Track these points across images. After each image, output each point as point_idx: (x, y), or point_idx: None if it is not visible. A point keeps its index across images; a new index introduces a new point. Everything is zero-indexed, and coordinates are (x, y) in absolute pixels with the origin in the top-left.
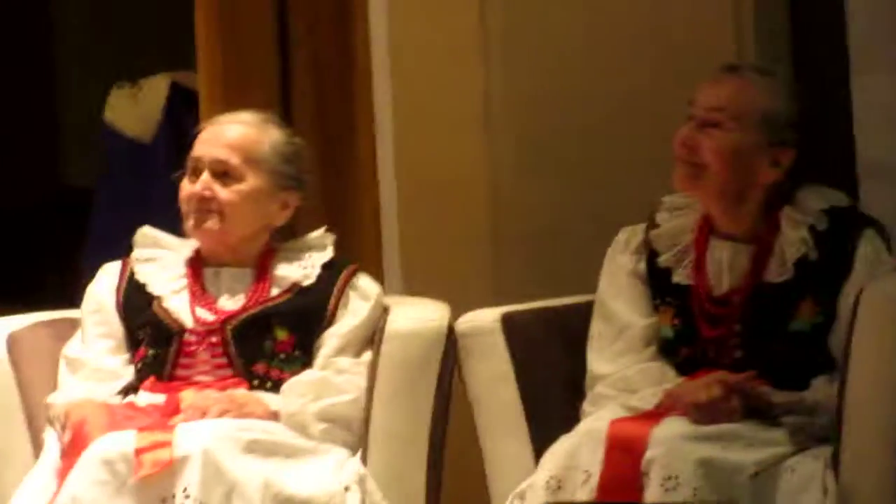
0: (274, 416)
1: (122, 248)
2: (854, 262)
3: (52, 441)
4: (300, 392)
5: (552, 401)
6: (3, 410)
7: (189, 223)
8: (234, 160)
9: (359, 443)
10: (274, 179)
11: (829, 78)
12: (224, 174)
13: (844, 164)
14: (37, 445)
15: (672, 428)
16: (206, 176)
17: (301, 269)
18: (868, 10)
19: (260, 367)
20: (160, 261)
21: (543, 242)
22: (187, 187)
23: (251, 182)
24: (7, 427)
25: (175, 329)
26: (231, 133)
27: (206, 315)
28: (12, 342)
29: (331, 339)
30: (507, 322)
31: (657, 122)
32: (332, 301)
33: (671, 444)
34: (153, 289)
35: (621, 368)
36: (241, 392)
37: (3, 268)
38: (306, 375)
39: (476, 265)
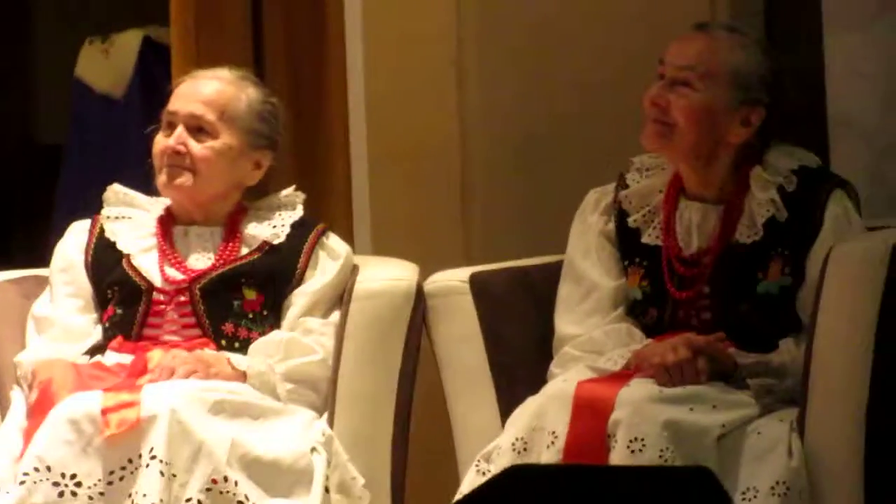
0: (241, 376)
1: (92, 206)
2: (823, 222)
3: (18, 400)
4: (268, 352)
5: (520, 362)
6: None
7: (161, 178)
8: (210, 116)
9: (326, 404)
10: (248, 138)
11: (801, 36)
12: (199, 130)
13: (815, 123)
14: (3, 404)
15: (639, 390)
16: (180, 131)
17: (271, 227)
18: None
19: (228, 327)
20: (130, 219)
21: (514, 203)
22: (161, 142)
23: (225, 139)
24: None
25: (144, 288)
26: (208, 89)
27: (175, 274)
28: None
29: (299, 299)
30: (476, 282)
31: (629, 80)
32: (302, 260)
33: (638, 405)
34: (122, 247)
35: (589, 329)
36: (209, 352)
37: None
38: (274, 336)
39: (446, 225)
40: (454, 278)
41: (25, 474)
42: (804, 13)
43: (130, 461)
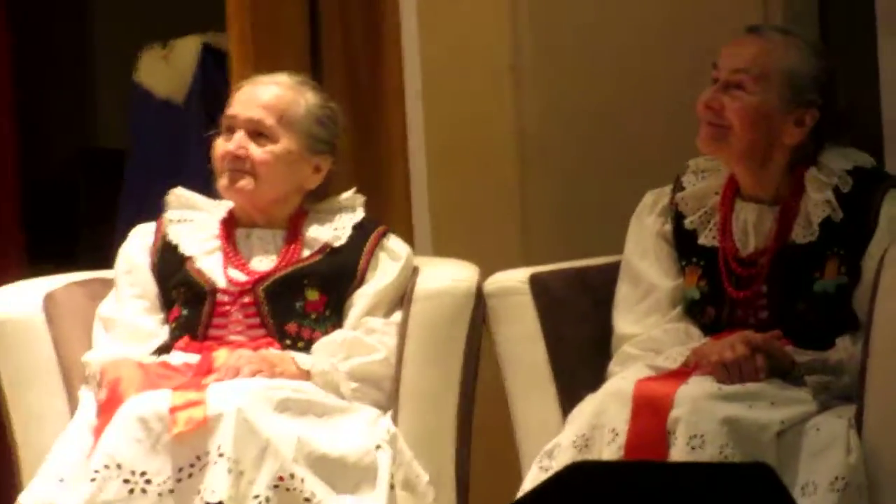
0: (306, 375)
1: (154, 209)
2: (878, 222)
3: (87, 399)
4: (331, 351)
5: (579, 361)
6: (40, 369)
7: (222, 182)
8: (269, 121)
9: (389, 402)
10: (308, 142)
11: (855, 38)
12: (258, 134)
13: (869, 124)
14: (72, 403)
15: (698, 387)
16: (240, 135)
17: (332, 230)
18: None
19: (292, 327)
20: (193, 222)
21: (572, 204)
22: (221, 146)
23: (285, 143)
24: (43, 385)
25: (208, 289)
26: (267, 94)
27: (239, 276)
28: (48, 301)
29: (361, 299)
30: (536, 282)
31: (684, 82)
32: (363, 261)
33: (697, 403)
34: (186, 249)
35: (647, 329)
36: (274, 352)
37: (39, 229)
38: (337, 335)
39: (504, 227)
40: (514, 279)
41: (96, 472)
42: (858, 14)
43: (199, 458)
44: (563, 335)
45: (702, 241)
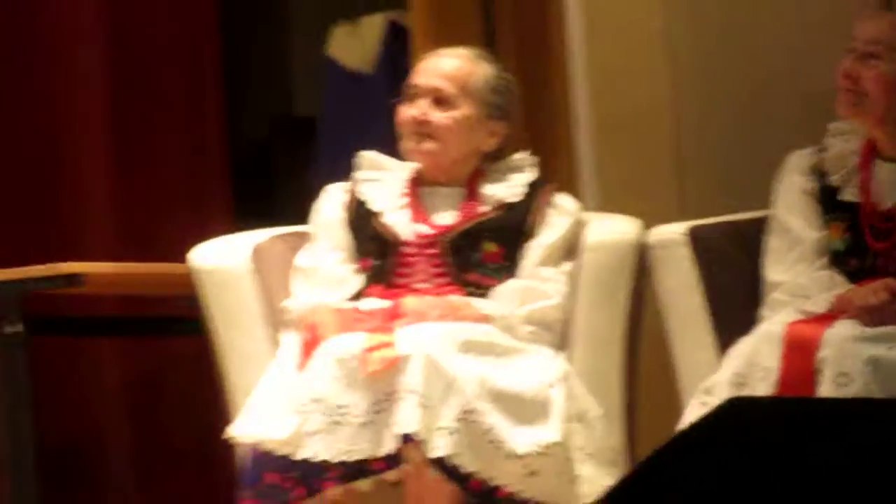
0: (486, 319)
1: (346, 170)
2: None
3: (288, 342)
4: (509, 297)
5: (734, 306)
6: (247, 314)
7: (407, 144)
8: (450, 89)
9: (562, 343)
10: (484, 109)
11: None
12: (440, 101)
13: None
14: (275, 345)
15: (843, 330)
16: (423, 102)
17: (507, 188)
18: None
19: (472, 276)
20: (381, 181)
21: (724, 162)
22: (406, 112)
23: (464, 110)
24: (250, 329)
25: (395, 242)
26: (448, 64)
27: (424, 229)
28: (256, 253)
29: (534, 251)
30: (694, 235)
31: (828, 47)
32: (534, 216)
33: (842, 344)
34: (375, 206)
35: (795, 277)
36: (456, 298)
37: (246, 189)
38: (514, 283)
39: (662, 185)
40: (673, 231)
41: (300, 405)
42: None
43: (390, 394)
44: (718, 283)
45: (845, 197)
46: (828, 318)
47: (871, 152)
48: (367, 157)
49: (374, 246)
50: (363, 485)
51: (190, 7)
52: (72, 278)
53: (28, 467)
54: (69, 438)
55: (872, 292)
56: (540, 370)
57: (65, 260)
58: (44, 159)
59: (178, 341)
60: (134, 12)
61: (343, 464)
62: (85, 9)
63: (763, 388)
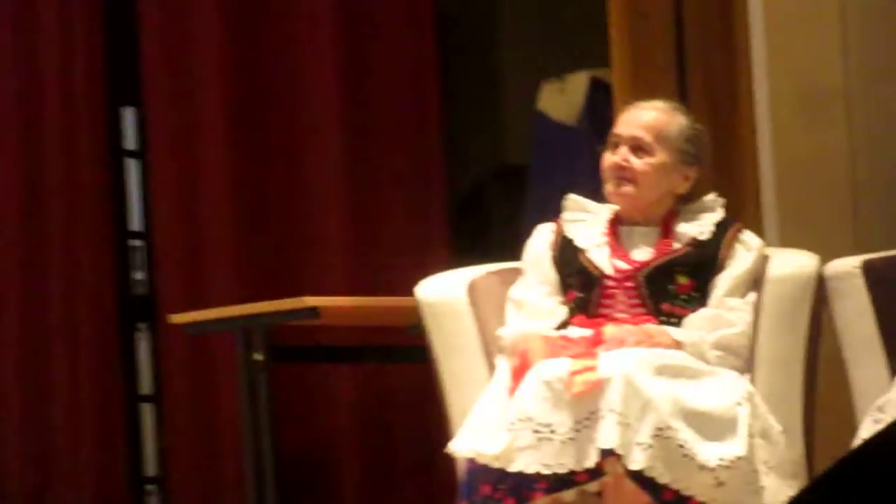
0: (678, 345)
1: (553, 212)
2: None
3: (502, 366)
4: (699, 325)
5: None
6: (465, 342)
7: (609, 188)
8: (648, 137)
9: (746, 366)
10: (678, 156)
11: None
12: (638, 149)
13: None
14: (490, 370)
15: None
16: (623, 150)
17: (698, 226)
18: None
19: (666, 306)
20: (585, 221)
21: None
22: (608, 158)
23: (660, 157)
24: (468, 355)
25: (598, 276)
26: (647, 116)
27: (623, 265)
28: (471, 287)
29: (722, 283)
30: (867, 268)
31: None
32: (723, 252)
33: None
34: (579, 243)
35: None
36: (652, 326)
37: (465, 229)
38: (704, 312)
39: (838, 221)
40: (849, 265)
41: (512, 424)
42: None
43: (592, 413)
44: (891, 311)
45: None
46: None
47: None
48: (573, 199)
49: (578, 280)
50: (568, 495)
51: (415, 67)
52: (309, 311)
53: (269, 480)
54: (306, 453)
55: None
56: (727, 391)
57: (304, 295)
58: (289, 209)
59: (404, 367)
60: (366, 74)
61: (550, 476)
62: (324, 76)
63: None
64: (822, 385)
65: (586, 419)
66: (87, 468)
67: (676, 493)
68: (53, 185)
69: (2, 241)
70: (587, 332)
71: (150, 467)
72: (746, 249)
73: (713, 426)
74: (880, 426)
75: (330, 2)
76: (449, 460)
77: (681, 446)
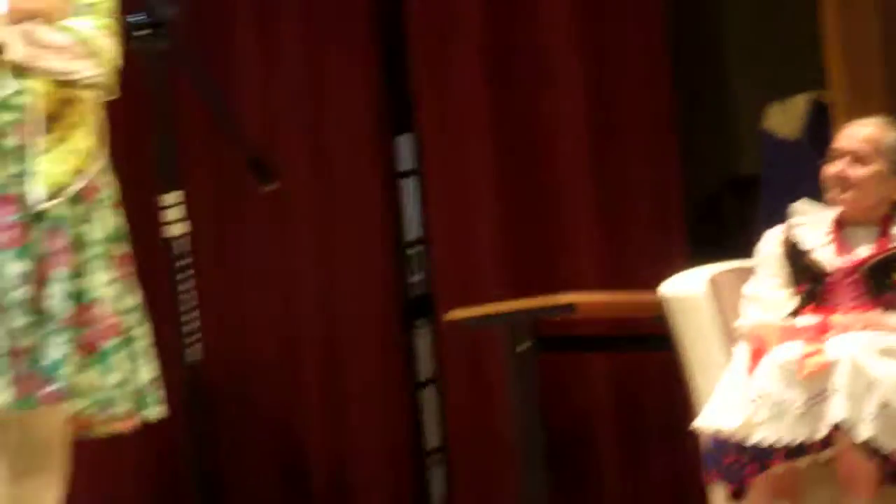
0: None
1: (782, 217)
2: None
3: (739, 353)
4: None
5: None
6: (708, 331)
7: (830, 195)
8: (865, 150)
9: None
10: (892, 166)
11: None
12: (856, 160)
13: None
14: (729, 356)
15: None
16: (842, 161)
17: None
18: None
19: (886, 297)
20: (811, 224)
21: None
22: (829, 170)
23: (876, 166)
24: (710, 343)
25: (823, 272)
26: (864, 131)
27: (846, 261)
28: (712, 283)
29: None
30: None
31: None
32: None
33: None
34: (806, 244)
35: None
36: (875, 314)
37: (699, 234)
38: None
39: None
40: None
41: (752, 400)
42: None
43: (822, 391)
44: None
45: None
46: None
47: None
48: (800, 205)
49: (805, 275)
50: (802, 462)
51: (651, 77)
52: (567, 307)
53: (537, 457)
54: (568, 430)
55: None
56: None
57: (562, 292)
58: (544, 215)
59: (653, 354)
60: (607, 81)
61: (786, 446)
62: (570, 87)
63: None
64: None
65: (817, 396)
66: (379, 441)
67: None
68: (342, 204)
69: (300, 253)
70: (815, 321)
71: (433, 440)
72: None
73: None
74: None
75: (571, 11)
76: (694, 436)
77: None
